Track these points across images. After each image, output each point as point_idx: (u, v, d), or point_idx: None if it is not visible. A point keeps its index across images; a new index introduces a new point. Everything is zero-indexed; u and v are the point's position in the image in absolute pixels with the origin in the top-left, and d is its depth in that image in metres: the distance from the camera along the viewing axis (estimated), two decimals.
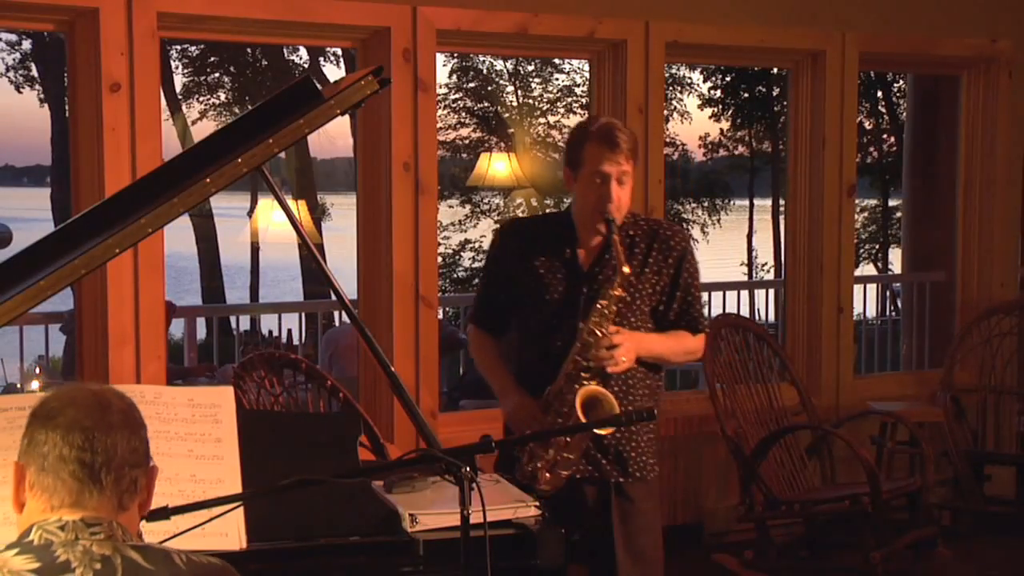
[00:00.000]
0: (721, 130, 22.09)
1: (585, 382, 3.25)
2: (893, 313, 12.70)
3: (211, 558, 1.97)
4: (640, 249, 3.44)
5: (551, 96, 19.80)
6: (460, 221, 19.60)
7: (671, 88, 19.72)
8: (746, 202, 23.51)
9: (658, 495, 3.56)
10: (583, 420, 3.18)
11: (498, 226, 3.75)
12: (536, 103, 19.85)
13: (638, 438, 3.45)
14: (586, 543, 3.39)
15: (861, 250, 20.43)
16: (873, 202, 21.57)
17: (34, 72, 17.82)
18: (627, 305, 3.38)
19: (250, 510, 2.52)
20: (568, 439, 3.26)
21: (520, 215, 18.04)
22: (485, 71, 19.33)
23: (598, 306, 3.27)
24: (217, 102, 19.08)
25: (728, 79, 20.63)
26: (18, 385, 6.84)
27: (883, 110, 19.94)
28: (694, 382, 9.75)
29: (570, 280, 3.42)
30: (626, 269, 3.28)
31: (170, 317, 7.02)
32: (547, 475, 3.26)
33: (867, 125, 19.41)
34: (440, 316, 6.31)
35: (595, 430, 3.46)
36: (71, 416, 1.88)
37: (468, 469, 2.16)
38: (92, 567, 1.82)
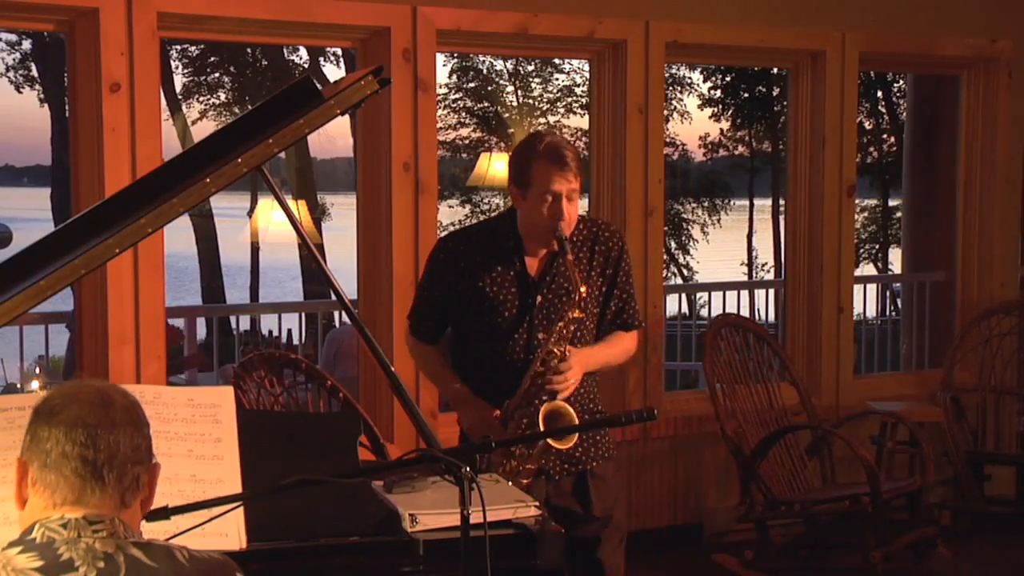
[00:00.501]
0: (721, 130, 22.13)
1: (545, 398, 3.30)
2: (893, 313, 12.71)
3: (213, 553, 1.97)
4: (584, 254, 3.48)
5: (551, 96, 19.83)
6: (460, 221, 19.59)
7: (671, 88, 19.74)
8: (746, 202, 23.53)
9: (622, 469, 3.56)
10: (544, 437, 3.22)
11: (440, 238, 3.71)
12: (536, 103, 19.87)
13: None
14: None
15: (861, 250, 20.45)
16: (873, 202, 21.58)
17: (34, 72, 17.83)
18: (580, 321, 3.42)
19: (250, 510, 2.52)
20: (529, 451, 3.31)
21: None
22: (485, 71, 19.35)
23: (558, 326, 3.32)
24: (217, 102, 19.10)
25: (728, 79, 20.65)
26: (18, 385, 6.83)
27: (883, 110, 19.95)
28: (694, 382, 9.76)
29: (521, 291, 3.44)
30: (583, 289, 3.32)
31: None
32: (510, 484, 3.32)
33: (867, 125, 19.42)
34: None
35: (594, 430, 3.50)
36: (74, 413, 1.87)
37: (468, 469, 2.16)
38: (95, 565, 1.82)
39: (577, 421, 3.28)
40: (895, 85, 18.82)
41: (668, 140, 19.15)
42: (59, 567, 1.82)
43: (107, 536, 1.85)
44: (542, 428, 3.23)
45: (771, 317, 8.59)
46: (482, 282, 3.43)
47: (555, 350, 3.31)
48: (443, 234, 3.88)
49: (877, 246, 21.67)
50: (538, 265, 3.46)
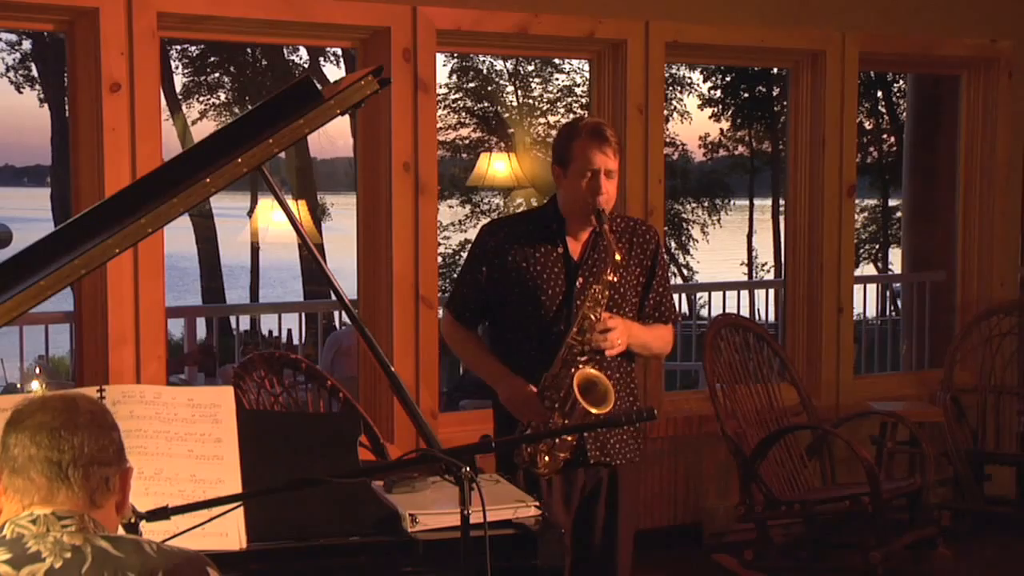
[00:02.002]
0: (721, 130, 22.09)
1: (581, 365, 3.36)
2: (893, 313, 12.71)
3: (183, 547, 2.02)
4: (623, 244, 3.56)
5: (551, 96, 19.79)
6: (460, 221, 19.58)
7: (671, 88, 19.71)
8: (746, 202, 23.51)
9: (638, 480, 3.70)
10: (581, 402, 3.28)
11: (483, 225, 3.75)
12: (536, 103, 19.85)
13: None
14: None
15: (861, 250, 20.43)
16: (873, 202, 21.56)
17: (34, 72, 17.82)
18: (620, 296, 3.50)
19: (250, 510, 2.52)
20: (566, 420, 3.35)
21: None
22: (485, 71, 19.33)
23: (592, 290, 3.38)
24: (217, 102, 19.08)
25: (728, 79, 20.63)
26: (18, 385, 6.84)
27: (883, 110, 19.94)
28: (694, 382, 9.76)
29: (563, 272, 3.51)
30: (618, 256, 3.40)
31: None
32: (546, 458, 3.40)
33: (867, 125, 19.41)
34: (440, 316, 6.30)
35: (593, 430, 3.50)
36: (39, 419, 1.92)
37: (468, 469, 2.16)
38: (62, 556, 1.86)
39: (611, 389, 3.33)
40: (895, 85, 18.81)
41: (668, 140, 19.13)
42: (26, 559, 1.86)
43: (76, 530, 1.89)
44: (577, 394, 3.28)
45: (771, 317, 8.60)
46: (525, 264, 3.51)
47: (591, 315, 3.36)
48: (486, 221, 3.98)
49: (877, 246, 21.65)
50: (580, 248, 3.54)
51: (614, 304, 3.46)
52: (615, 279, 3.42)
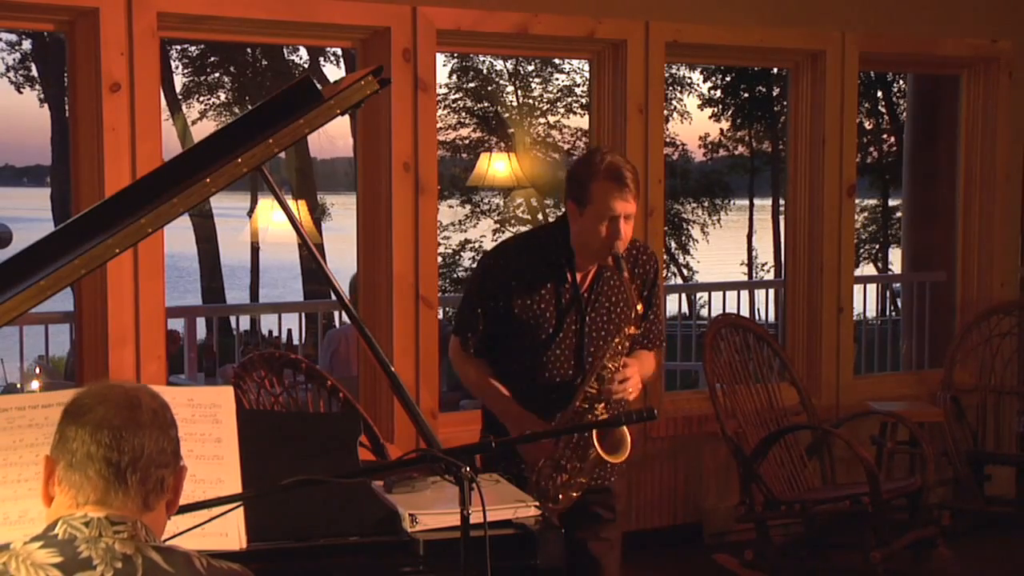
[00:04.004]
0: (721, 130, 22.10)
1: (596, 412, 3.32)
2: (893, 313, 12.72)
3: (231, 564, 1.98)
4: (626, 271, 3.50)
5: (551, 96, 19.80)
6: (460, 221, 19.58)
7: (671, 88, 19.72)
8: (746, 202, 23.52)
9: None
10: (599, 451, 3.26)
11: (485, 257, 3.70)
12: (536, 103, 19.85)
13: None
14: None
15: (861, 250, 20.45)
16: (873, 202, 21.58)
17: (34, 72, 17.82)
18: (614, 324, 3.46)
19: (250, 510, 2.52)
20: (580, 464, 3.31)
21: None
22: (485, 71, 19.33)
23: (615, 342, 3.34)
24: (217, 102, 19.08)
25: (728, 79, 20.64)
26: (18, 385, 6.84)
27: (883, 110, 19.95)
28: (694, 382, 9.76)
29: (569, 304, 3.45)
30: (639, 307, 3.34)
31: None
32: (560, 496, 3.35)
33: (867, 125, 19.41)
34: (440, 316, 6.31)
35: (592, 430, 3.50)
36: (100, 414, 1.89)
37: (468, 469, 2.16)
38: (113, 565, 1.83)
39: (627, 436, 3.30)
40: (895, 85, 18.82)
41: (668, 140, 19.14)
42: (78, 564, 1.83)
43: (128, 538, 1.86)
44: (597, 446, 3.25)
45: (771, 317, 8.59)
46: (531, 295, 3.42)
47: (610, 365, 3.32)
48: (490, 247, 3.91)
49: (877, 246, 21.66)
50: (586, 280, 3.47)
51: (609, 333, 3.43)
52: (636, 331, 3.35)
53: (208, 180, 2.60)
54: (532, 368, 3.45)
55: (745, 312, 8.07)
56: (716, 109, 21.49)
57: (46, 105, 17.12)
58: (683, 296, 15.42)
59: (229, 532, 2.50)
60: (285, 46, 16.74)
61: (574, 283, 3.45)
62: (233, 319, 9.31)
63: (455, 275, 18.88)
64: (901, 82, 17.52)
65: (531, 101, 19.84)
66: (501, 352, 3.52)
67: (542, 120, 19.85)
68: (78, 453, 1.87)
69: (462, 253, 19.42)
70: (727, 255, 24.98)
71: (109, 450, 1.87)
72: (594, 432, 3.25)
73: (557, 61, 18.57)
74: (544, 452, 3.36)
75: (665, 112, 6.21)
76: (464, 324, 3.54)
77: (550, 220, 4.41)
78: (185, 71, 18.69)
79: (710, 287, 11.68)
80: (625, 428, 3.28)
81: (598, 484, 3.51)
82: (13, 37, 17.14)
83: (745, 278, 21.60)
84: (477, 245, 19.19)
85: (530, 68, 19.45)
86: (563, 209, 3.52)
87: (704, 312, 14.10)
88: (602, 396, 3.32)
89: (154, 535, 1.91)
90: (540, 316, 3.43)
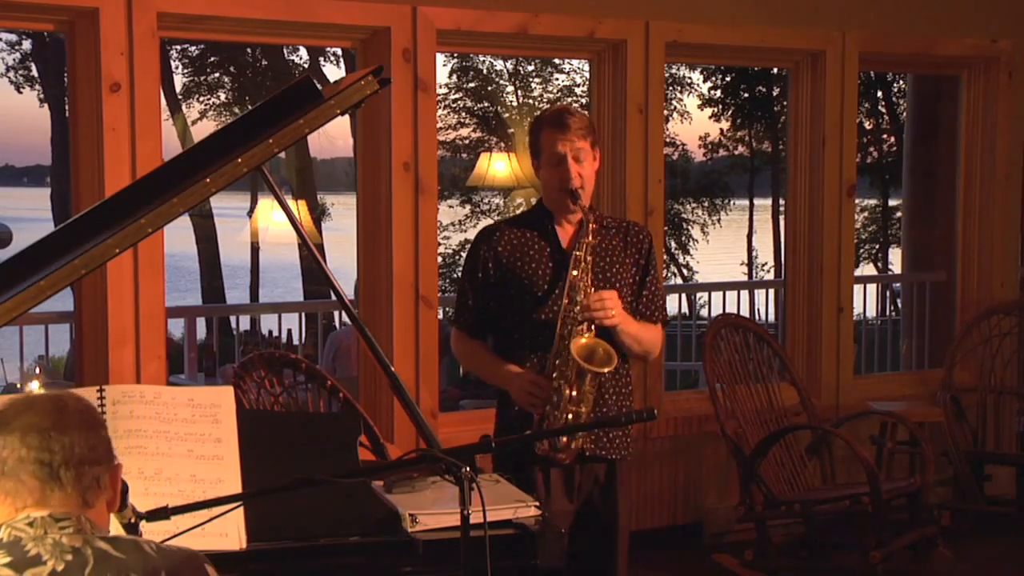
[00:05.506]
0: (721, 130, 22.08)
1: (578, 334, 3.36)
2: (893, 313, 12.72)
3: (182, 547, 2.01)
4: (617, 242, 3.60)
5: (551, 96, 19.77)
6: (460, 221, 19.57)
7: (671, 88, 19.71)
8: (746, 202, 23.50)
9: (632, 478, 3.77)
10: (583, 366, 3.31)
11: (478, 232, 3.78)
12: (536, 103, 19.82)
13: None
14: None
15: (861, 250, 20.43)
16: (873, 202, 21.56)
17: (34, 72, 17.81)
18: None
19: (250, 510, 2.52)
20: (575, 392, 3.36)
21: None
22: (485, 71, 19.32)
23: (576, 255, 3.41)
24: (217, 102, 19.06)
25: (728, 79, 20.62)
26: (18, 385, 6.84)
27: (883, 110, 19.94)
28: (694, 382, 9.76)
29: (555, 263, 3.55)
30: (592, 225, 3.42)
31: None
32: (572, 444, 3.39)
33: (867, 125, 19.40)
34: (440, 316, 6.31)
35: (593, 430, 3.50)
36: (27, 420, 1.90)
37: (468, 469, 2.16)
38: (63, 558, 1.85)
39: (611, 350, 3.35)
40: (895, 85, 18.81)
41: (668, 140, 19.14)
42: (27, 562, 1.84)
43: (74, 532, 1.88)
44: (578, 360, 3.30)
45: (771, 317, 8.60)
46: (519, 262, 3.55)
47: (578, 284, 3.38)
48: (483, 225, 3.98)
49: (877, 246, 21.64)
50: (569, 238, 3.57)
51: (598, 288, 3.47)
52: (593, 240, 3.44)
53: (208, 180, 2.60)
54: (528, 325, 3.53)
55: (745, 312, 8.08)
56: (716, 109, 21.47)
57: (46, 105, 17.10)
58: (683, 296, 15.42)
59: (229, 532, 2.50)
60: (285, 46, 16.73)
61: (555, 240, 3.57)
62: (233, 319, 9.31)
63: (455, 275, 18.87)
64: (901, 82, 17.51)
65: (531, 101, 19.81)
66: (501, 324, 3.61)
67: None
68: (9, 460, 1.89)
69: (462, 253, 19.40)
70: (727, 255, 24.99)
71: (40, 451, 1.88)
72: (573, 349, 3.30)
73: (557, 61, 18.56)
74: (535, 386, 3.40)
75: (665, 112, 6.21)
76: (459, 308, 3.70)
77: None
78: (185, 71, 18.69)
79: (710, 287, 11.67)
80: (605, 344, 3.35)
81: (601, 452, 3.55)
82: (13, 37, 17.14)
83: (745, 278, 21.59)
84: None
85: (530, 68, 19.43)
86: None
87: (704, 312, 14.09)
88: (580, 315, 3.36)
89: (100, 529, 1.92)
90: (533, 275, 3.54)
